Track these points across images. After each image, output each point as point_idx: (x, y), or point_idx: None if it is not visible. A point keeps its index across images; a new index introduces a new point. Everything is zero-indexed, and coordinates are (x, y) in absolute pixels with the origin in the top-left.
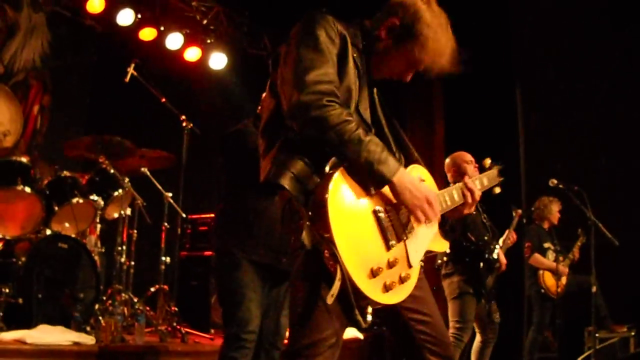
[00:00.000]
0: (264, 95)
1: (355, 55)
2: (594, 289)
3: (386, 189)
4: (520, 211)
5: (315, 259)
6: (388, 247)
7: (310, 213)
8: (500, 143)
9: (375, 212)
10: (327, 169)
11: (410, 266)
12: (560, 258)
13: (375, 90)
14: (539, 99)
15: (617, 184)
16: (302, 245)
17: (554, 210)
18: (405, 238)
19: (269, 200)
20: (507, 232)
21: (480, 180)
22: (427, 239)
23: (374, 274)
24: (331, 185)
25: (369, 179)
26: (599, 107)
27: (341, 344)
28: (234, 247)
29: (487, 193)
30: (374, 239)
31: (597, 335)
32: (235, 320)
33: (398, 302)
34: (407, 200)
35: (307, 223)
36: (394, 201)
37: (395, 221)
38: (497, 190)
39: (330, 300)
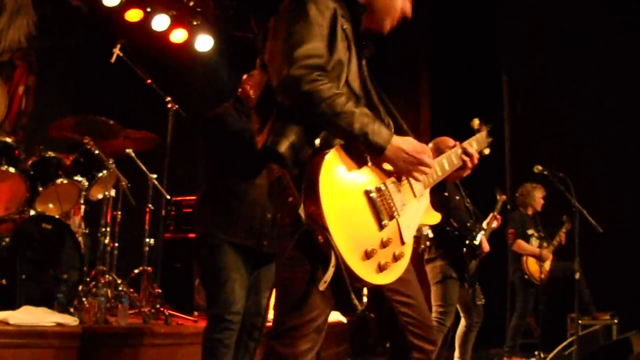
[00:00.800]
0: (244, 76)
1: (345, 26)
2: (577, 275)
3: (378, 165)
4: (504, 196)
5: (307, 243)
6: (381, 227)
7: (303, 191)
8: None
9: (367, 193)
10: (317, 142)
11: (403, 243)
12: (544, 244)
13: (364, 62)
14: (525, 86)
15: (602, 170)
16: (291, 222)
17: (538, 196)
18: (397, 215)
19: (249, 183)
20: (490, 215)
21: (470, 143)
22: (419, 213)
23: (368, 255)
24: (324, 166)
25: (363, 150)
26: (585, 94)
27: (325, 328)
28: (216, 229)
29: (472, 176)
30: (367, 220)
31: (579, 322)
32: (219, 301)
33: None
34: (401, 165)
35: (300, 199)
36: (385, 179)
37: (388, 199)
38: (487, 151)
39: (322, 286)
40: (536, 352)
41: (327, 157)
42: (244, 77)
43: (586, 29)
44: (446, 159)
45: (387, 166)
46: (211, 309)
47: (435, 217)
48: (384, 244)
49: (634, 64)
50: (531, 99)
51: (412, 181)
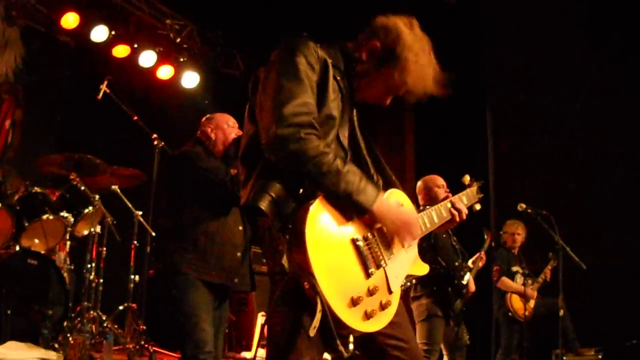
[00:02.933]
0: (203, 119)
1: (338, 77)
2: (561, 312)
3: (365, 218)
4: (491, 234)
5: (294, 290)
6: (368, 275)
7: (288, 242)
8: (470, 166)
9: (353, 241)
10: (301, 191)
11: (390, 292)
12: (529, 281)
13: (355, 111)
14: (509, 123)
15: (586, 207)
16: (280, 270)
17: (516, 233)
18: (384, 265)
19: (220, 221)
20: (477, 254)
21: (460, 198)
22: (407, 263)
23: (354, 302)
24: (309, 217)
25: (348, 208)
26: (569, 131)
27: None
28: (187, 267)
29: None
30: (354, 268)
31: (564, 358)
32: (193, 342)
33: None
34: (388, 226)
35: (285, 249)
36: (373, 228)
37: (375, 249)
38: (478, 207)
39: (312, 332)
40: None
41: (312, 207)
42: (203, 119)
43: (571, 67)
44: (435, 211)
45: None
46: (185, 350)
47: (423, 269)
48: (370, 292)
49: (618, 100)
50: (515, 136)
51: None
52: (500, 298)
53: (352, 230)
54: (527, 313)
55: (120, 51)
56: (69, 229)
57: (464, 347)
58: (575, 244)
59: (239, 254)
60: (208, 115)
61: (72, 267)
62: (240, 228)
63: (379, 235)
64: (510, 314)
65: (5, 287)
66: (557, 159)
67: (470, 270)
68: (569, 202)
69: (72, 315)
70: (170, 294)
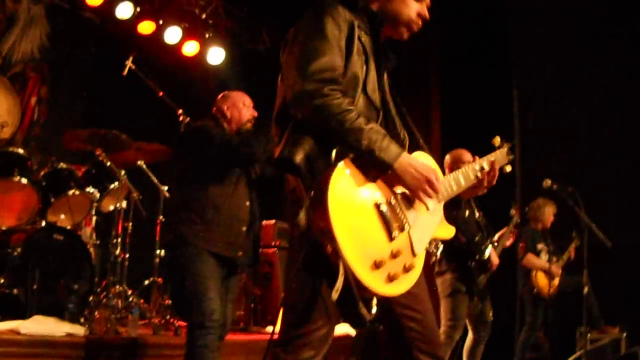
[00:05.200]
0: (219, 97)
1: (363, 38)
2: (585, 289)
3: (388, 180)
4: (519, 210)
5: (316, 254)
6: (391, 239)
7: (311, 204)
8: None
9: (377, 206)
10: (333, 154)
11: (414, 255)
12: (554, 259)
13: (385, 76)
14: (536, 99)
15: (612, 184)
16: (301, 234)
17: (548, 213)
18: (408, 228)
19: (229, 195)
20: (504, 229)
21: (488, 160)
22: (432, 226)
23: (377, 265)
24: (332, 179)
25: (371, 166)
26: (596, 107)
27: (331, 338)
28: (195, 238)
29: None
30: (377, 231)
31: (588, 336)
32: (201, 310)
33: (395, 296)
34: (409, 182)
35: (307, 207)
36: (397, 192)
37: (398, 212)
38: (508, 168)
39: (335, 295)
40: None
41: (336, 169)
42: (219, 97)
43: (598, 42)
44: (462, 174)
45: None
46: (192, 318)
47: (449, 231)
48: (393, 255)
49: None
50: (542, 113)
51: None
52: (525, 275)
53: (376, 194)
54: (552, 290)
55: (146, 28)
56: (94, 204)
57: (488, 323)
58: (600, 221)
59: (244, 229)
60: (224, 93)
61: (98, 243)
62: (247, 203)
63: (403, 199)
64: (535, 291)
65: (31, 263)
66: (584, 135)
67: (493, 244)
68: (596, 178)
69: (98, 290)
70: (179, 263)
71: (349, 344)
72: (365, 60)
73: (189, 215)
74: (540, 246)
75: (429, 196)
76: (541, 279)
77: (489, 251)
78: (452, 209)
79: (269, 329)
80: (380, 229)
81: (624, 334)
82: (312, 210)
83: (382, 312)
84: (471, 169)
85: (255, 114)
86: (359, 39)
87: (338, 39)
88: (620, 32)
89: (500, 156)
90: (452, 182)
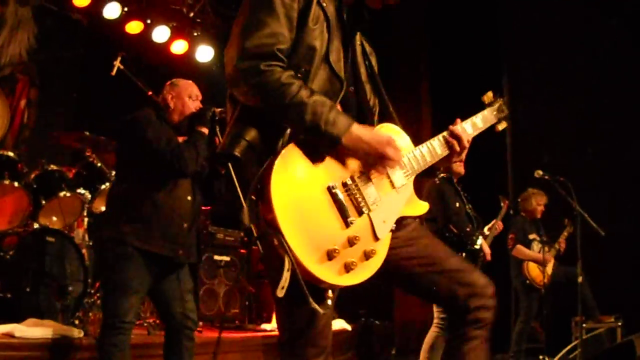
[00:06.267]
0: (167, 84)
1: (325, 3)
2: (580, 279)
3: (342, 158)
4: (507, 201)
5: (267, 249)
6: (347, 225)
7: (256, 195)
8: (486, 134)
9: (329, 189)
10: (284, 139)
11: (377, 239)
12: (546, 248)
13: (358, 39)
14: (526, 89)
15: (604, 174)
16: (246, 233)
17: (536, 203)
18: (367, 210)
19: (167, 192)
20: (493, 221)
21: (473, 122)
22: (399, 205)
23: (329, 256)
24: (275, 168)
25: (319, 144)
26: (586, 97)
27: (328, 331)
28: (130, 236)
29: (474, 181)
30: (329, 218)
31: (584, 325)
32: (116, 310)
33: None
34: (362, 157)
35: (249, 202)
36: (354, 172)
37: (355, 194)
38: (501, 126)
39: (280, 293)
40: (541, 357)
41: (280, 155)
42: (167, 84)
43: (589, 32)
44: (439, 141)
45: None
46: (105, 317)
47: (421, 208)
48: (350, 242)
49: (637, 66)
50: (532, 103)
51: (391, 171)
52: (517, 266)
53: (327, 177)
54: (545, 280)
55: (134, 27)
56: (86, 205)
57: None
58: (593, 210)
59: (185, 225)
60: (173, 81)
61: (91, 244)
62: (189, 198)
63: (361, 178)
64: (527, 281)
65: (24, 265)
66: (575, 125)
67: (484, 236)
68: (587, 167)
69: (92, 291)
70: (107, 261)
71: (346, 339)
72: (327, 27)
73: (126, 210)
74: (532, 236)
75: (385, 171)
76: (533, 270)
77: (479, 241)
78: (441, 199)
79: (264, 326)
80: (333, 215)
81: (620, 323)
82: (258, 204)
83: (386, 277)
84: (440, 137)
85: (202, 107)
86: (319, 4)
87: (288, 8)
88: (611, 20)
89: (488, 115)
90: (425, 153)
